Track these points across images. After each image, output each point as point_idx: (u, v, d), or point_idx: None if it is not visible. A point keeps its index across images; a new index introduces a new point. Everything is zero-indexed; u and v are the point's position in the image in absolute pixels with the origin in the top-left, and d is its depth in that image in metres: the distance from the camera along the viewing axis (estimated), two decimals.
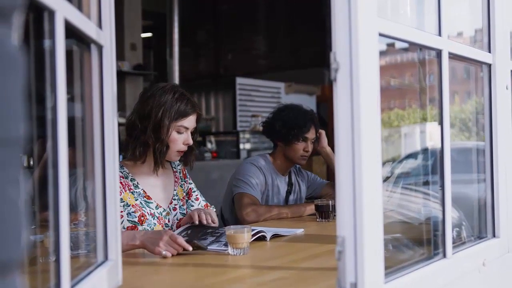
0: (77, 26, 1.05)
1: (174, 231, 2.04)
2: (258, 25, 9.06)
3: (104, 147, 1.27)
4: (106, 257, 1.27)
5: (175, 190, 2.21)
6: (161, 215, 2.11)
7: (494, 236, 1.69)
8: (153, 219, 2.07)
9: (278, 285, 1.45)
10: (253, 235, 1.90)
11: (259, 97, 7.48)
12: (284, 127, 2.75)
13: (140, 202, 2.06)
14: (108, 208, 1.27)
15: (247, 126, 7.19)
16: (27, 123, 0.62)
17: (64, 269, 0.92)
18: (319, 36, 7.96)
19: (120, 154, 1.85)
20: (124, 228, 2.00)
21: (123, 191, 2.03)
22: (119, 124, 1.40)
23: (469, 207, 1.78)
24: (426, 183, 1.76)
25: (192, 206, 2.26)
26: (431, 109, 1.65)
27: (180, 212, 2.19)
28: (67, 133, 0.94)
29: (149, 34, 8.45)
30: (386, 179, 1.68)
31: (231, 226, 1.85)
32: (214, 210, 2.30)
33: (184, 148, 2.11)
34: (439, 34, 1.41)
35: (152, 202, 2.10)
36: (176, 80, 6.50)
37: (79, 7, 1.12)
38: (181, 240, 1.73)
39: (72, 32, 1.03)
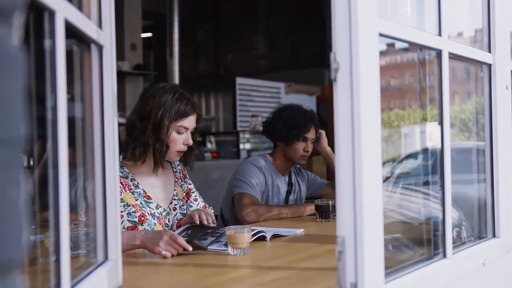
0: (77, 26, 1.05)
1: (174, 231, 2.04)
2: (258, 25, 9.06)
3: (104, 147, 1.27)
4: (106, 257, 1.27)
5: (175, 190, 2.21)
6: (161, 215, 2.11)
7: (494, 236, 1.69)
8: (153, 219, 2.07)
9: (278, 285, 1.45)
10: (253, 235, 1.90)
11: (259, 97, 7.48)
12: (284, 127, 2.75)
13: (140, 202, 2.06)
14: (108, 208, 1.27)
15: (247, 126, 7.19)
16: (27, 123, 0.62)
17: (64, 269, 0.92)
18: (319, 36, 7.96)
19: (120, 154, 1.85)
20: (124, 228, 2.00)
21: (123, 191, 2.03)
22: (119, 124, 1.40)
23: (469, 207, 1.78)
24: (426, 183, 1.76)
25: (191, 206, 2.26)
26: (431, 109, 1.65)
27: (180, 212, 2.19)
28: (67, 133, 0.94)
29: (149, 34, 8.45)
30: (386, 179, 1.68)
31: (231, 226, 1.85)
32: (213, 211, 2.30)
33: (184, 148, 2.11)
34: (439, 34, 1.41)
35: (152, 202, 2.10)
36: (176, 80, 6.50)
37: (79, 7, 1.12)
38: (182, 240, 1.73)
39: (72, 32, 1.03)
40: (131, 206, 2.03)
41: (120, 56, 6.37)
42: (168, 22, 6.60)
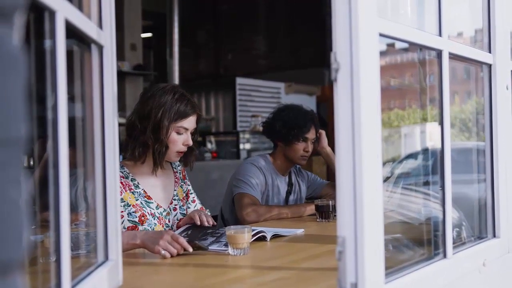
0: (78, 26, 1.05)
1: (174, 231, 2.04)
2: (258, 25, 9.06)
3: (105, 147, 1.27)
4: (106, 257, 1.27)
5: (175, 190, 2.21)
6: (162, 215, 2.11)
7: (494, 236, 1.69)
8: (154, 219, 2.07)
9: (279, 285, 1.45)
10: (253, 235, 1.90)
11: (259, 97, 7.48)
12: (284, 127, 2.75)
13: (141, 202, 2.07)
14: (109, 208, 1.27)
15: (247, 126, 7.19)
16: (27, 123, 0.62)
17: (64, 269, 0.92)
18: (319, 36, 7.97)
19: (120, 154, 1.85)
20: (125, 228, 2.00)
21: (124, 191, 2.03)
22: (119, 124, 1.40)
23: (469, 207, 1.78)
24: (426, 183, 1.76)
25: (189, 208, 2.26)
26: (431, 109, 1.65)
27: (180, 213, 2.19)
28: (68, 133, 0.94)
29: (149, 34, 8.45)
30: (386, 179, 1.68)
31: (231, 226, 1.85)
32: (209, 213, 2.30)
33: (184, 149, 2.11)
34: (440, 35, 1.41)
35: (152, 202, 2.10)
36: (176, 80, 6.51)
37: (80, 7, 1.12)
38: (182, 240, 1.73)
39: (72, 32, 1.03)
40: (131, 206, 2.03)
41: (120, 56, 6.37)
42: (168, 22, 6.60)
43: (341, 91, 1.07)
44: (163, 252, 1.71)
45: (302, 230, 2.22)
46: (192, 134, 2.14)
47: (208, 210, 2.33)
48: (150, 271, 1.67)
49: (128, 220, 2.02)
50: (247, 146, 6.88)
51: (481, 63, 1.70)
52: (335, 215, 2.45)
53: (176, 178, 2.25)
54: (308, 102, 6.77)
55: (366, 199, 1.05)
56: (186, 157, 2.19)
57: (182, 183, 2.27)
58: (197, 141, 2.23)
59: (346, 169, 1.06)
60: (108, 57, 1.27)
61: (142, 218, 2.04)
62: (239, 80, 7.37)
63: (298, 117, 2.77)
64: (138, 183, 2.10)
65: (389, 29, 1.19)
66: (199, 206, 2.30)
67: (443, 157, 1.41)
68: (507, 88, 1.74)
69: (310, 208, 2.64)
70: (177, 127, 2.07)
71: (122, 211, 2.00)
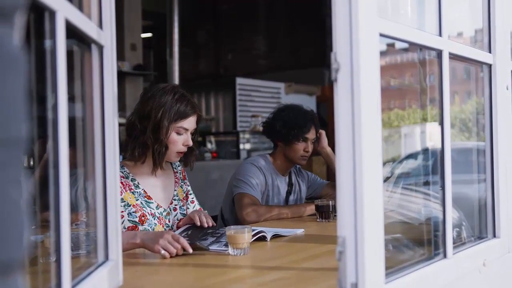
0: (78, 26, 1.05)
1: (174, 231, 2.04)
2: (258, 25, 9.06)
3: (105, 147, 1.27)
4: (106, 257, 1.27)
5: (175, 190, 2.21)
6: (162, 215, 2.11)
7: (494, 236, 1.69)
8: (154, 219, 2.07)
9: (279, 285, 1.45)
10: (253, 236, 1.90)
11: (259, 97, 7.48)
12: (284, 127, 2.75)
13: (141, 202, 2.07)
14: (109, 208, 1.27)
15: (247, 126, 7.19)
16: (28, 123, 0.62)
17: (65, 269, 0.92)
18: (319, 36, 7.97)
19: (120, 154, 1.85)
20: (125, 228, 2.00)
21: (124, 191, 2.03)
22: (119, 124, 1.40)
23: (470, 207, 1.78)
24: (426, 184, 1.76)
25: (188, 208, 2.26)
26: (431, 109, 1.65)
27: (180, 213, 2.19)
28: (68, 133, 0.94)
29: (149, 34, 8.45)
30: (386, 179, 1.68)
31: (232, 226, 1.85)
32: (207, 213, 2.30)
33: (184, 149, 2.11)
34: (440, 35, 1.41)
35: (152, 202, 2.10)
36: (176, 80, 6.51)
37: (80, 7, 1.12)
38: (183, 241, 1.73)
39: (73, 32, 1.03)
40: (131, 206, 2.03)
41: (120, 56, 6.37)
42: (168, 22, 6.60)
43: (341, 91, 1.07)
44: (163, 252, 1.71)
45: (302, 230, 2.22)
46: (192, 134, 2.13)
47: (206, 211, 2.33)
48: (150, 271, 1.67)
49: (128, 220, 2.02)
50: (247, 146, 6.89)
51: (481, 63, 1.70)
52: (335, 215, 2.45)
53: (176, 178, 2.25)
54: (308, 102, 6.78)
55: (366, 199, 1.05)
56: (186, 157, 2.19)
57: (182, 183, 2.27)
58: (197, 141, 2.23)
59: (346, 169, 1.06)
60: (108, 57, 1.27)
61: (142, 218, 2.04)
62: (239, 80, 7.37)
63: (298, 117, 2.77)
64: (138, 183, 2.10)
65: (389, 29, 1.19)
66: (197, 207, 2.30)
67: (443, 157, 1.41)
68: (507, 88, 1.74)
69: (310, 208, 2.64)
70: (177, 128, 2.06)
71: (122, 211, 2.00)
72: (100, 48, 1.25)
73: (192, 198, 2.30)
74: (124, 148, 2.09)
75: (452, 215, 1.42)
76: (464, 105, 1.95)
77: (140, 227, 2.02)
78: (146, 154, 2.08)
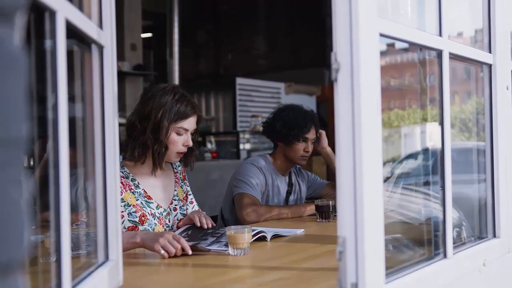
0: (78, 26, 1.05)
1: (174, 231, 2.04)
2: (258, 25, 9.06)
3: (105, 147, 1.27)
4: (107, 257, 1.27)
5: (175, 190, 2.21)
6: (162, 215, 2.11)
7: (494, 236, 1.69)
8: (154, 219, 2.07)
9: (279, 285, 1.45)
10: (253, 236, 1.90)
11: (259, 97, 7.48)
12: (284, 127, 2.75)
13: (141, 202, 2.07)
14: (109, 208, 1.27)
15: (247, 126, 7.19)
16: (28, 123, 0.62)
17: (65, 269, 0.92)
18: (319, 36, 7.97)
19: (120, 154, 1.85)
20: (125, 228, 2.00)
21: (124, 191, 2.03)
22: (119, 125, 1.40)
23: (470, 207, 1.79)
24: (426, 184, 1.76)
25: (187, 209, 2.26)
26: (431, 109, 1.65)
27: (180, 213, 2.19)
28: (68, 133, 0.94)
29: (149, 34, 8.45)
30: (386, 179, 1.68)
31: (232, 226, 1.85)
32: (205, 213, 2.30)
33: (184, 149, 2.11)
34: (440, 35, 1.41)
35: (152, 202, 2.10)
36: (176, 80, 6.51)
37: (80, 7, 1.12)
38: (183, 241, 1.73)
39: (73, 32, 1.03)
40: (131, 206, 2.03)
41: (120, 56, 6.37)
42: (168, 22, 6.60)
43: (342, 91, 1.07)
44: (162, 251, 1.71)
45: (302, 230, 2.22)
46: (192, 134, 2.13)
47: (205, 212, 2.32)
48: (151, 271, 1.67)
49: (128, 220, 2.02)
50: (247, 146, 6.89)
51: (481, 63, 1.70)
52: (335, 215, 2.45)
53: (177, 178, 2.25)
54: (308, 102, 6.77)
55: (367, 199, 1.05)
56: (187, 158, 2.18)
57: (182, 184, 2.27)
58: (197, 142, 2.23)
59: (347, 169, 1.06)
60: (108, 57, 1.27)
61: (143, 218, 2.04)
62: (239, 80, 7.37)
63: (298, 117, 2.77)
64: (138, 183, 2.10)
65: (389, 29, 1.19)
66: (196, 207, 2.30)
67: (443, 157, 1.41)
68: (507, 88, 1.74)
69: (310, 208, 2.64)
70: (177, 128, 2.06)
71: (122, 211, 2.00)
72: (100, 48, 1.25)
73: (191, 198, 2.31)
74: (124, 148, 2.09)
75: (452, 215, 1.42)
76: (464, 105, 1.95)
77: (140, 227, 2.02)
78: (146, 154, 2.08)
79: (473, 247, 1.59)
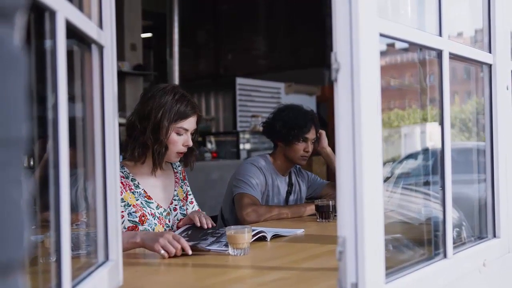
0: (78, 26, 1.05)
1: (174, 231, 2.04)
2: (258, 25, 9.06)
3: (105, 147, 1.27)
4: (107, 257, 1.27)
5: (175, 190, 2.21)
6: (162, 215, 2.11)
7: (494, 236, 1.69)
8: (154, 219, 2.07)
9: (279, 285, 1.45)
10: (253, 236, 1.90)
11: (259, 97, 7.48)
12: (284, 127, 2.75)
13: (141, 202, 2.07)
14: (109, 209, 1.27)
15: (247, 126, 7.20)
16: (28, 123, 0.62)
17: (65, 269, 0.92)
18: (319, 36, 7.97)
19: (120, 154, 1.86)
20: (125, 228, 2.00)
21: (124, 191, 2.03)
22: (119, 125, 1.40)
23: (470, 207, 1.79)
24: (426, 184, 1.76)
25: (187, 209, 2.26)
26: (431, 109, 1.65)
27: (180, 213, 2.19)
28: (68, 133, 0.94)
29: (149, 34, 8.45)
30: (386, 180, 1.68)
31: (232, 226, 1.85)
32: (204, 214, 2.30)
33: (184, 149, 2.11)
34: (440, 35, 1.41)
35: (152, 202, 2.10)
36: (176, 80, 6.51)
37: (80, 7, 1.12)
38: (183, 241, 1.73)
39: (73, 32, 1.03)
40: (131, 206, 2.03)
41: (120, 56, 6.37)
42: (168, 22, 6.60)
43: (342, 91, 1.07)
44: (162, 252, 1.71)
45: (302, 230, 2.22)
46: (192, 134, 2.13)
47: (205, 212, 2.32)
48: (151, 271, 1.67)
49: (128, 220, 2.02)
50: (247, 146, 6.89)
51: (481, 63, 1.70)
52: (335, 215, 2.45)
53: (177, 178, 2.25)
54: (308, 102, 6.77)
55: (367, 199, 1.05)
56: (187, 158, 2.18)
57: (183, 184, 2.27)
58: (197, 142, 2.23)
59: (347, 169, 1.06)
60: (108, 57, 1.27)
61: (143, 218, 2.04)
62: (239, 80, 7.37)
63: (298, 117, 2.77)
64: (138, 183, 2.10)
65: (389, 29, 1.19)
66: (196, 207, 2.30)
67: (443, 157, 1.41)
68: (507, 88, 1.74)
69: (310, 208, 2.64)
70: (177, 128, 2.06)
71: (122, 211, 2.00)
72: (100, 48, 1.25)
73: (191, 198, 2.31)
74: (124, 148, 2.09)
75: (452, 215, 1.42)
76: (464, 105, 1.95)
77: (140, 227, 2.02)
78: (146, 154, 2.08)
79: (473, 247, 1.59)
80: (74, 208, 1.12)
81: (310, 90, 7.71)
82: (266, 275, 1.54)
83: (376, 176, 1.10)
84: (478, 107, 1.82)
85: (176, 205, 2.19)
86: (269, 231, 2.04)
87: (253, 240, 1.90)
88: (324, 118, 6.81)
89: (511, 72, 1.78)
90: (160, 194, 2.15)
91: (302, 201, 2.93)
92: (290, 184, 2.90)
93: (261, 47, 9.02)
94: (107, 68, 1.27)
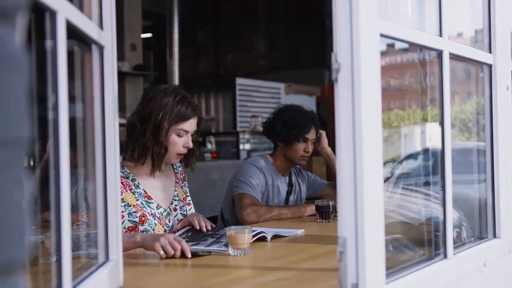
0: (79, 26, 1.05)
1: (174, 232, 2.04)
2: (258, 25, 9.06)
3: (105, 148, 1.27)
4: (107, 258, 1.27)
5: (175, 191, 2.21)
6: (162, 215, 2.11)
7: (494, 236, 1.69)
8: (154, 219, 2.07)
9: (279, 285, 1.45)
10: (253, 236, 1.90)
11: (259, 97, 7.48)
12: (284, 128, 2.75)
13: (141, 202, 2.07)
14: (109, 209, 1.27)
15: (247, 126, 7.20)
16: (29, 123, 0.62)
17: (65, 269, 0.92)
18: (319, 36, 7.97)
19: (120, 154, 1.85)
20: (125, 228, 2.00)
21: (124, 191, 2.03)
22: (119, 125, 1.40)
23: (470, 207, 1.79)
24: (426, 184, 1.76)
25: (187, 209, 2.26)
26: (431, 109, 1.65)
27: (180, 213, 2.19)
28: (68, 134, 0.94)
29: (149, 35, 8.45)
30: (386, 180, 1.68)
31: (232, 226, 1.85)
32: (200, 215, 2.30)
33: (184, 151, 2.11)
34: (440, 35, 1.41)
35: (152, 202, 2.10)
36: (176, 81, 6.51)
37: (81, 8, 1.12)
38: (184, 243, 1.73)
39: (73, 32, 1.03)
40: (131, 206, 2.03)
41: (120, 56, 6.37)
42: (168, 22, 6.61)
43: (342, 91, 1.07)
44: (161, 252, 1.71)
45: (303, 230, 2.22)
46: (193, 135, 2.13)
47: (201, 215, 2.32)
48: (151, 271, 1.66)
49: (128, 220, 2.02)
50: (247, 146, 6.89)
51: (481, 63, 1.70)
52: (335, 216, 2.46)
53: (177, 178, 2.25)
54: (308, 103, 6.77)
55: (367, 199, 1.05)
56: (187, 159, 2.18)
57: (183, 184, 2.27)
58: (197, 142, 2.23)
59: (347, 169, 1.06)
60: (108, 58, 1.27)
61: (143, 218, 2.04)
62: (239, 81, 7.37)
63: (298, 118, 2.77)
64: (138, 183, 2.10)
65: (389, 30, 1.19)
66: (193, 210, 2.30)
67: (443, 158, 1.41)
68: (507, 89, 1.74)
69: (310, 209, 2.63)
70: (177, 130, 2.06)
71: (122, 211, 2.00)
72: (101, 48, 1.25)
73: (189, 200, 2.31)
74: (124, 148, 2.09)
75: (452, 215, 1.42)
76: (464, 105, 1.95)
77: (140, 227, 2.02)
78: (146, 155, 2.08)
79: (473, 248, 1.59)
80: (74, 209, 1.12)
81: (310, 91, 7.71)
82: (267, 276, 1.54)
83: (376, 176, 1.10)
84: (478, 107, 1.82)
85: (176, 205, 2.19)
86: (269, 232, 2.04)
87: (253, 241, 1.90)
88: (324, 119, 6.81)
89: (511, 72, 1.78)
90: (160, 194, 2.15)
91: (302, 201, 2.93)
92: (290, 185, 2.90)
93: (261, 47, 9.02)
94: (108, 68, 1.27)
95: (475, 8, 1.79)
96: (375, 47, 1.11)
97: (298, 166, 2.95)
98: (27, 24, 0.68)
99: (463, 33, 1.93)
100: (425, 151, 1.82)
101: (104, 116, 1.26)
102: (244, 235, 1.74)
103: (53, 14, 0.90)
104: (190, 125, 2.09)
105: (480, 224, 1.74)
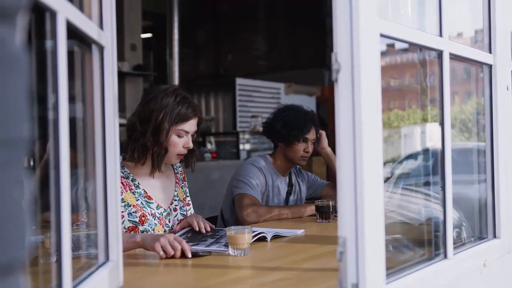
0: (79, 26, 1.05)
1: (175, 232, 2.04)
2: (258, 25, 9.06)
3: (105, 148, 1.27)
4: (107, 258, 1.27)
5: (175, 191, 2.21)
6: (162, 215, 2.11)
7: (494, 236, 1.69)
8: (154, 219, 2.07)
9: (279, 286, 1.45)
10: (253, 236, 1.90)
11: (259, 97, 7.48)
12: (284, 128, 2.75)
13: (141, 202, 2.07)
14: (109, 209, 1.27)
15: (247, 126, 7.20)
16: (29, 123, 0.62)
17: (65, 269, 0.92)
18: (319, 36, 7.97)
19: (120, 155, 1.85)
20: (125, 228, 2.00)
21: (124, 191, 2.03)
22: (119, 125, 1.40)
23: (470, 207, 1.79)
24: (426, 184, 1.76)
25: (187, 210, 2.26)
26: (431, 109, 1.65)
27: (180, 213, 2.19)
28: (69, 134, 0.94)
29: (149, 35, 8.45)
30: (386, 180, 1.68)
31: (232, 227, 1.85)
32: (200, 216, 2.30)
33: (184, 151, 2.11)
34: (440, 35, 1.41)
35: (152, 203, 2.10)
36: (176, 81, 6.51)
37: (81, 8, 1.12)
38: (184, 243, 1.73)
39: (73, 32, 1.03)
40: (131, 206, 2.04)
41: (120, 56, 6.37)
42: (168, 22, 6.61)
43: (342, 91, 1.07)
44: (161, 252, 1.71)
45: (303, 230, 2.22)
46: (193, 136, 2.13)
47: (201, 216, 2.32)
48: (151, 271, 1.66)
49: (128, 220, 2.02)
50: (247, 146, 6.89)
51: (481, 63, 1.70)
52: (335, 216, 2.46)
53: (177, 179, 2.25)
54: (308, 103, 6.77)
55: (367, 199, 1.05)
56: (188, 159, 2.18)
57: (183, 184, 2.27)
58: (197, 142, 2.23)
59: (347, 169, 1.06)
60: (108, 58, 1.27)
61: (143, 218, 2.04)
62: (239, 81, 7.37)
63: (299, 118, 2.77)
64: (138, 183, 2.10)
65: (389, 30, 1.19)
66: (192, 211, 2.30)
67: (443, 158, 1.41)
68: (507, 89, 1.74)
69: (310, 209, 2.63)
70: (177, 130, 2.06)
71: (122, 211, 2.00)
72: (101, 48, 1.25)
73: (189, 200, 2.31)
74: (124, 149, 2.09)
75: (452, 215, 1.42)
76: (464, 106, 1.95)
77: (140, 227, 2.02)
78: (146, 155, 2.08)
79: (473, 248, 1.59)
80: (74, 209, 1.12)
81: (310, 91, 7.71)
82: (267, 276, 1.54)
83: (376, 177, 1.10)
84: (478, 108, 1.82)
85: (176, 205, 2.19)
86: (269, 232, 2.04)
87: (253, 241, 1.90)
88: (324, 119, 6.81)
89: (511, 72, 1.78)
90: (160, 195, 2.15)
91: (302, 201, 2.93)
92: (290, 185, 2.90)
93: (261, 47, 9.02)
94: (108, 68, 1.27)
95: (475, 8, 1.79)
96: (375, 47, 1.11)
97: (298, 166, 2.95)
98: (27, 24, 0.68)
99: (463, 33, 1.93)
100: (425, 151, 1.82)
101: (104, 116, 1.26)
102: (244, 235, 1.74)
103: (53, 14, 0.90)
104: (191, 125, 2.09)
105: (480, 224, 1.74)
